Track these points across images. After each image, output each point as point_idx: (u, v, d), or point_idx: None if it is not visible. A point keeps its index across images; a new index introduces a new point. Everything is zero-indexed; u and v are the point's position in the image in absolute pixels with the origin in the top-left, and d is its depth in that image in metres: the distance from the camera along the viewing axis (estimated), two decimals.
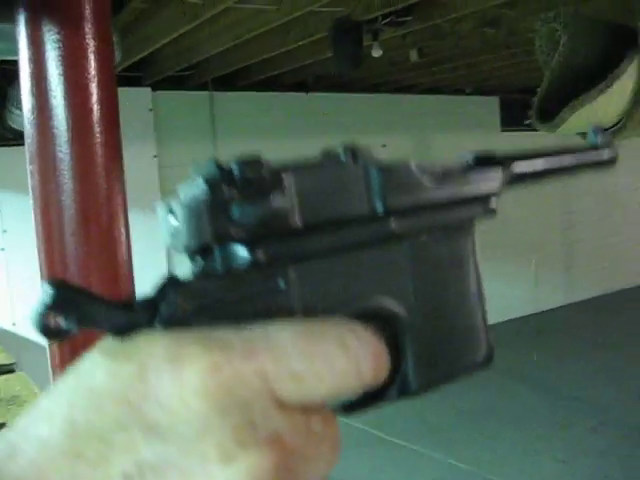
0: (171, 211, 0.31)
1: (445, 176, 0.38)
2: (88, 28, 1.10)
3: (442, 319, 0.37)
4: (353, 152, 0.35)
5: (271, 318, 0.30)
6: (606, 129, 1.03)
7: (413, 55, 5.17)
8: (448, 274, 0.38)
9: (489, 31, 4.42)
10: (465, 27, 4.30)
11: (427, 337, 0.35)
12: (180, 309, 0.29)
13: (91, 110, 1.07)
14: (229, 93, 6.14)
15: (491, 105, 8.36)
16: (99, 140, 1.09)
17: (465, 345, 0.38)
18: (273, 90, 6.42)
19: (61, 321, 0.27)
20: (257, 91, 6.32)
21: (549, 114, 0.97)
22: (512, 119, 8.58)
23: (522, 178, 0.43)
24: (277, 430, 0.28)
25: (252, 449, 0.28)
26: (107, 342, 0.29)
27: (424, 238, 0.36)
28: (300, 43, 4.45)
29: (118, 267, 1.10)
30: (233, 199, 0.30)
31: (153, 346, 0.28)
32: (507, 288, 8.08)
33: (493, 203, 0.41)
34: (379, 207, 0.34)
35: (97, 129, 1.08)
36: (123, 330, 0.28)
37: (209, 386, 0.27)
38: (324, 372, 0.30)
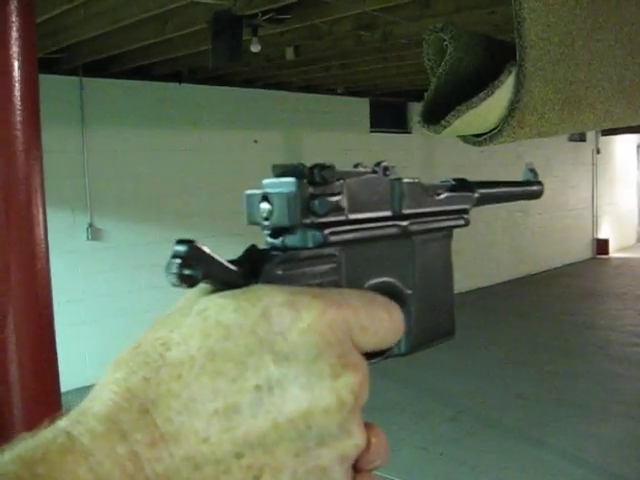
0: (266, 198, 0.41)
1: (440, 193, 0.50)
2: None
3: (431, 298, 0.49)
4: (385, 168, 0.45)
5: (331, 285, 0.41)
6: (485, 134, 1.12)
7: (289, 53, 5.24)
8: (437, 265, 0.50)
9: (364, 34, 4.55)
10: (342, 29, 4.41)
11: (420, 311, 0.48)
12: (275, 272, 0.39)
13: (11, 92, 1.04)
14: (100, 80, 5.97)
15: (361, 106, 8.59)
16: (19, 120, 1.06)
17: (443, 320, 0.51)
18: (146, 79, 6.30)
19: (191, 271, 0.36)
20: (129, 79, 6.17)
21: (435, 118, 1.04)
22: (380, 121, 8.87)
23: (484, 199, 0.55)
24: (356, 360, 0.39)
25: (350, 369, 0.38)
26: (221, 294, 0.38)
27: (425, 237, 0.48)
28: (177, 34, 4.41)
29: (35, 244, 1.09)
30: (314, 195, 0.40)
31: (272, 294, 0.38)
32: None
33: (469, 216, 0.53)
34: (399, 210, 0.45)
35: (18, 110, 1.05)
36: (234, 284, 0.38)
37: (320, 324, 0.37)
38: (379, 328, 0.40)
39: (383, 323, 0.41)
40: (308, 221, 0.39)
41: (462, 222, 0.52)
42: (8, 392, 1.23)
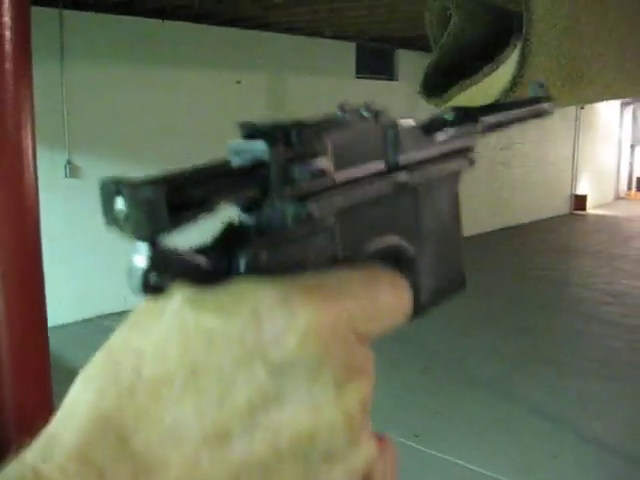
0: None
1: (440, 132, 0.43)
2: None
3: (440, 252, 0.44)
4: (376, 112, 0.38)
5: (325, 264, 0.35)
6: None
7: None
8: (444, 215, 0.44)
9: None
10: None
11: (429, 268, 0.43)
12: (259, 259, 0.32)
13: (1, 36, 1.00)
14: (81, 13, 5.79)
15: (348, 51, 8.46)
16: (9, 68, 1.02)
17: (454, 273, 0.46)
18: (128, 14, 6.12)
19: (158, 279, 0.29)
20: (111, 13, 6.00)
21: (435, 87, 1.02)
22: (367, 67, 8.75)
23: (490, 129, 0.48)
24: (363, 360, 0.34)
25: (357, 376, 0.33)
26: (198, 291, 0.31)
27: (427, 187, 0.42)
28: None
29: (25, 182, 1.07)
30: (291, 159, 0.32)
31: (260, 291, 0.31)
32: None
33: (474, 154, 0.46)
34: (395, 162, 0.39)
35: (8, 55, 1.01)
36: (209, 279, 0.31)
37: (320, 325, 0.31)
38: (385, 314, 0.35)
39: (389, 306, 0.35)
40: (287, 193, 0.32)
41: (467, 163, 0.45)
42: None
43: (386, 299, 0.35)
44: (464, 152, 0.45)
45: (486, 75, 1.00)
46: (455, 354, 5.31)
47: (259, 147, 0.32)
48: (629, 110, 14.83)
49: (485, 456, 3.77)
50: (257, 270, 0.32)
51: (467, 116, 0.46)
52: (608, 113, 14.10)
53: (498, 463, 3.71)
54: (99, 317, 6.04)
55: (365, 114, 0.38)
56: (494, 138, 10.47)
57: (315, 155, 0.33)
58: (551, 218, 12.21)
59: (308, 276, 0.33)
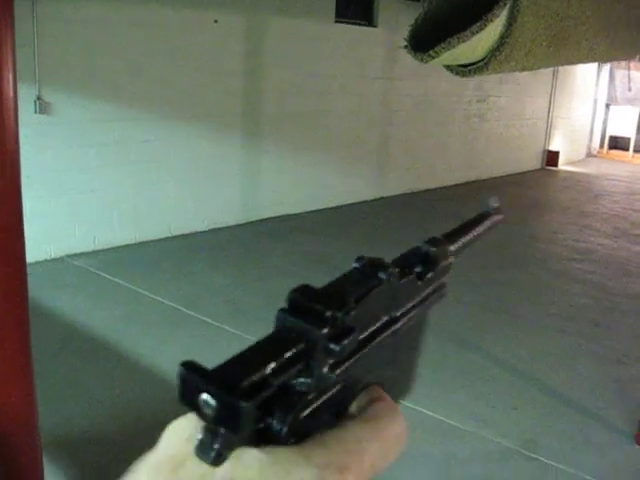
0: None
1: (424, 274, 0.48)
2: None
3: (406, 368, 0.50)
4: (390, 274, 0.42)
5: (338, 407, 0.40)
6: (470, 65, 1.09)
7: None
8: (414, 342, 0.50)
9: None
10: None
11: (395, 386, 0.47)
12: (298, 421, 0.36)
13: None
14: None
15: None
16: None
17: (410, 382, 0.52)
18: None
19: (229, 450, 0.33)
20: None
21: (422, 43, 1.01)
22: (346, 11, 8.60)
23: (458, 254, 0.55)
24: None
25: None
26: (249, 456, 0.35)
27: (408, 326, 0.46)
28: None
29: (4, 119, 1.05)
30: (331, 338, 0.37)
31: (302, 468, 0.35)
32: (325, 178, 8.35)
33: (446, 289, 0.51)
34: (395, 313, 0.44)
35: None
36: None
37: None
38: (395, 444, 0.41)
39: (398, 439, 0.41)
40: (325, 364, 0.37)
41: (440, 297, 0.50)
42: None
43: (392, 442, 0.40)
44: (441, 287, 0.50)
45: (474, 33, 0.99)
46: None
47: (308, 328, 0.37)
48: (606, 69, 14.85)
49: (446, 405, 3.86)
50: (294, 432, 0.36)
51: (439, 247, 0.50)
52: (585, 71, 14.09)
53: (458, 412, 3.80)
54: (69, 256, 6.00)
55: (382, 275, 0.42)
56: (470, 90, 10.44)
57: (350, 331, 0.37)
58: (523, 173, 12.28)
59: (331, 438, 0.38)
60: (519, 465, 3.42)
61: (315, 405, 0.37)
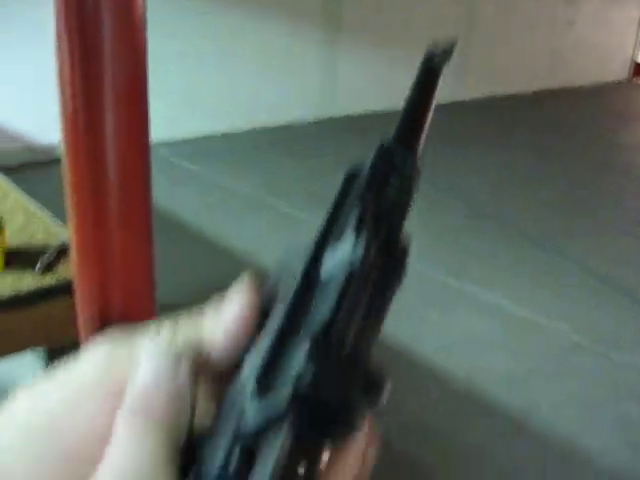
0: None
1: None
2: None
3: None
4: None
5: None
6: None
7: None
8: None
9: None
10: None
11: None
12: None
13: None
14: None
15: None
16: None
17: None
18: None
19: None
20: None
21: None
22: None
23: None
24: None
25: None
26: None
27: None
28: None
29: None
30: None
31: None
32: (405, 78, 8.16)
33: None
34: None
35: None
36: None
37: None
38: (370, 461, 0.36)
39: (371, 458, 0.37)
40: None
41: None
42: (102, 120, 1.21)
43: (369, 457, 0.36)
44: None
45: None
46: (503, 203, 5.31)
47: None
48: None
49: (522, 298, 3.87)
50: None
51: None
52: None
53: (535, 308, 3.80)
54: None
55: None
56: None
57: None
58: (609, 83, 11.75)
59: None
60: (593, 360, 3.44)
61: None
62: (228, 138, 6.55)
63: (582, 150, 6.71)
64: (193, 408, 0.34)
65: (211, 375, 0.37)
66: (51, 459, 0.33)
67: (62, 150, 1.27)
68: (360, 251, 0.32)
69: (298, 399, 0.29)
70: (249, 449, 0.30)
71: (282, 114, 7.11)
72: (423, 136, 0.41)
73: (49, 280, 1.75)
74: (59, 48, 1.19)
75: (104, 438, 0.33)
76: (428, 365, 3.31)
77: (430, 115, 0.43)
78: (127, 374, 0.35)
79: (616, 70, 12.20)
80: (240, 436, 0.31)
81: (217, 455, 0.30)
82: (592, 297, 4.02)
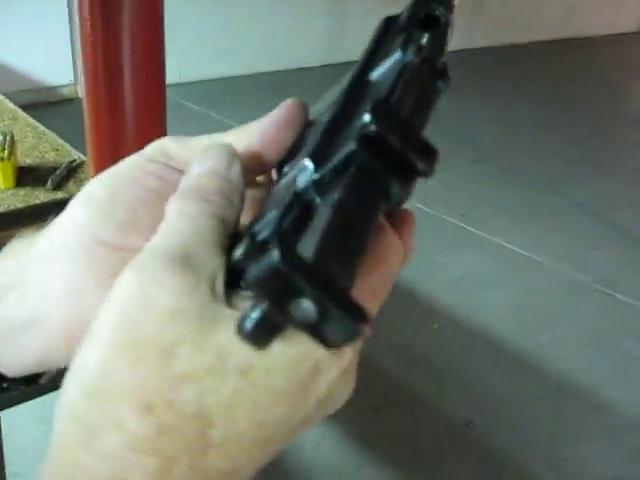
0: None
1: None
2: None
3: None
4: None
5: None
6: None
7: None
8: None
9: None
10: None
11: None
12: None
13: None
14: None
15: None
16: None
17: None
18: None
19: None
20: None
21: None
22: None
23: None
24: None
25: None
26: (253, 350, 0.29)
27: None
28: None
29: None
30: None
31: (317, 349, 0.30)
32: None
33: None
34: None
35: None
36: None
37: (354, 359, 0.33)
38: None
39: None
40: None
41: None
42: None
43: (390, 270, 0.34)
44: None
45: None
46: (508, 150, 5.32)
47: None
48: None
49: (526, 241, 3.91)
50: None
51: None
52: None
53: (538, 248, 3.85)
54: None
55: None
56: None
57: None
58: (621, 34, 11.58)
59: None
60: (594, 298, 3.49)
61: None
62: (236, 81, 6.54)
63: (593, 100, 6.67)
64: (242, 203, 0.34)
65: (254, 183, 0.39)
66: (112, 223, 0.35)
67: (82, 92, 1.29)
68: (411, 53, 0.33)
69: (365, 138, 0.29)
70: (308, 203, 0.30)
71: (289, 59, 7.07)
72: None
73: (61, 195, 1.79)
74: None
75: (156, 216, 0.33)
76: (432, 303, 3.37)
77: None
78: (182, 166, 0.37)
79: (630, 21, 12.01)
80: (299, 192, 0.30)
81: (273, 214, 0.29)
82: (593, 239, 4.06)
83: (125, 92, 1.26)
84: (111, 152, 1.21)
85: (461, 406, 2.74)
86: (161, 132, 1.34)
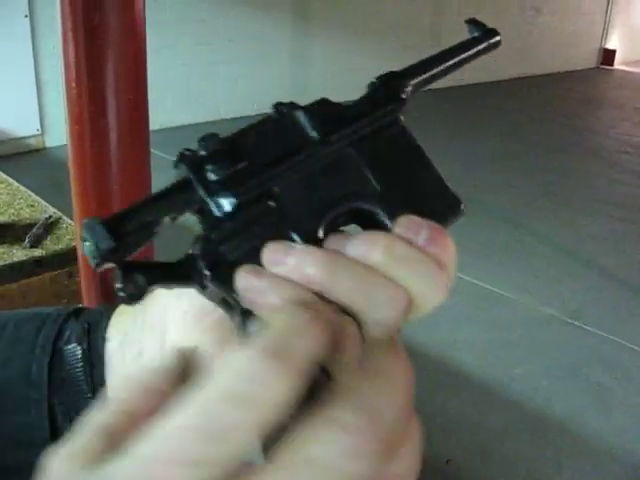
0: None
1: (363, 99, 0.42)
2: None
3: (411, 190, 0.42)
4: (277, 106, 0.40)
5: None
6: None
7: None
8: (398, 156, 0.42)
9: None
10: None
11: (401, 209, 0.40)
12: (216, 256, 0.35)
13: None
14: None
15: None
16: None
17: (437, 203, 0.44)
18: None
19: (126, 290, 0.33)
20: None
21: None
22: None
23: (423, 85, 0.45)
24: None
25: None
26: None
27: (365, 141, 0.41)
28: None
29: None
30: (207, 163, 0.37)
31: None
32: (376, 65, 8.24)
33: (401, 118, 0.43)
34: (315, 135, 0.39)
35: None
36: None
37: None
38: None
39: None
40: (214, 190, 0.36)
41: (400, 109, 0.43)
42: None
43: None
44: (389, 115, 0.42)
45: None
46: (473, 186, 5.42)
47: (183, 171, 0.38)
48: None
49: (492, 275, 3.98)
50: (218, 264, 0.35)
51: (392, 84, 0.43)
52: None
53: (504, 282, 3.92)
54: None
55: (272, 113, 0.41)
56: None
57: (227, 153, 0.38)
58: (577, 71, 11.93)
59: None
60: (562, 330, 3.55)
61: (232, 235, 0.36)
62: (201, 128, 6.58)
63: (551, 134, 6.85)
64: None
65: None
66: None
67: (68, 145, 1.32)
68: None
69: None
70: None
71: (252, 104, 7.14)
72: (431, 73, 0.46)
73: (38, 253, 1.80)
74: (64, 42, 1.24)
75: None
76: (406, 342, 3.39)
77: (451, 62, 0.47)
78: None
79: (585, 58, 12.38)
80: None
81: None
82: (558, 271, 4.15)
83: (110, 146, 1.30)
84: (97, 206, 1.24)
85: (442, 444, 2.76)
86: (146, 184, 1.38)
